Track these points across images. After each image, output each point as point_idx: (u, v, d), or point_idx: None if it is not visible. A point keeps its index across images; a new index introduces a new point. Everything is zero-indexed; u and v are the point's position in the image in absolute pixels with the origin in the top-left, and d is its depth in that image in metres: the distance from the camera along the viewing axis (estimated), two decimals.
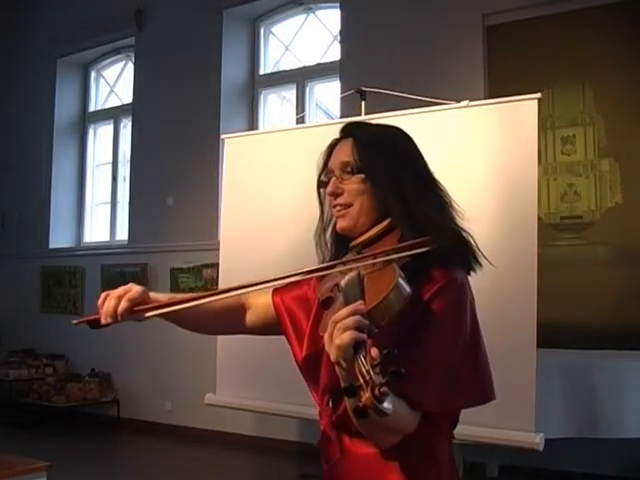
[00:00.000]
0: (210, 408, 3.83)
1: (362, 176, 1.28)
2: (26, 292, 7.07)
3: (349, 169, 1.29)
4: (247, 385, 3.57)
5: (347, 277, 1.11)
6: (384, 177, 1.27)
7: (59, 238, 7.05)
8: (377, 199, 1.27)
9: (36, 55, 7.21)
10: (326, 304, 1.21)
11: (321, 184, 1.37)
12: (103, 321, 1.29)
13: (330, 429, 1.27)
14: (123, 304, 1.27)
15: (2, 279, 7.21)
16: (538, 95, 2.93)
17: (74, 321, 1.35)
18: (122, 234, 6.68)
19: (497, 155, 3.00)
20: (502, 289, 2.87)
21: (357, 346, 0.96)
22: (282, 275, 1.28)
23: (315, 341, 1.30)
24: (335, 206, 1.31)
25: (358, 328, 0.98)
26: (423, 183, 1.29)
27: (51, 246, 7.01)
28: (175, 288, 5.81)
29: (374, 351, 0.94)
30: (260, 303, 1.44)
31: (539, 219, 2.95)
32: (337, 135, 1.38)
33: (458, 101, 3.14)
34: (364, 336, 0.97)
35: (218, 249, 3.90)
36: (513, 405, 2.79)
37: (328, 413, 1.27)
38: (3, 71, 7.44)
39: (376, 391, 0.89)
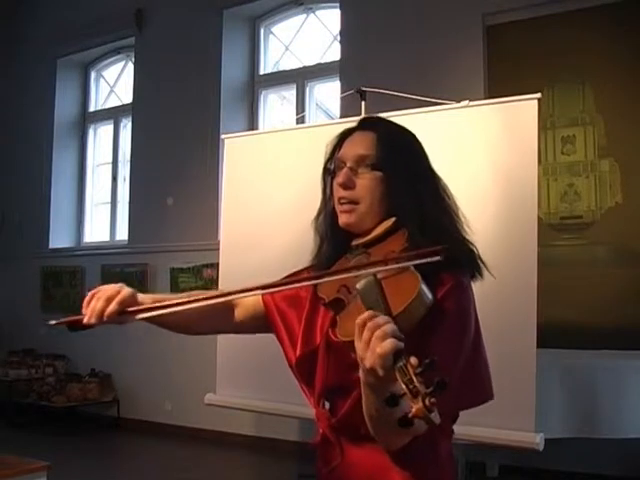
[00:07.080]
0: (210, 408, 3.83)
1: (380, 174, 1.23)
2: (26, 292, 7.06)
3: (367, 163, 1.24)
4: (247, 385, 3.57)
5: (364, 280, 1.08)
6: (404, 178, 1.23)
7: (59, 238, 7.05)
8: (391, 199, 1.23)
9: (36, 55, 7.20)
10: (336, 306, 1.17)
11: (327, 171, 1.32)
12: (86, 321, 1.23)
13: (330, 432, 1.25)
14: (112, 306, 1.22)
15: (2, 279, 7.21)
16: (538, 95, 2.93)
17: (52, 322, 1.28)
18: (122, 234, 6.68)
19: (497, 155, 3.00)
20: (502, 289, 2.87)
21: (396, 354, 0.94)
22: (282, 281, 1.26)
23: (309, 341, 1.28)
24: (341, 199, 1.25)
25: (397, 336, 0.96)
26: (437, 189, 1.27)
27: (51, 246, 7.00)
28: (175, 288, 5.80)
29: (414, 359, 0.93)
30: (248, 301, 1.40)
31: (539, 219, 2.95)
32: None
33: (458, 101, 3.14)
34: (402, 344, 0.95)
35: (218, 249, 3.89)
36: (513, 405, 2.79)
37: (326, 416, 1.26)
38: (3, 71, 7.43)
39: (427, 401, 0.88)
